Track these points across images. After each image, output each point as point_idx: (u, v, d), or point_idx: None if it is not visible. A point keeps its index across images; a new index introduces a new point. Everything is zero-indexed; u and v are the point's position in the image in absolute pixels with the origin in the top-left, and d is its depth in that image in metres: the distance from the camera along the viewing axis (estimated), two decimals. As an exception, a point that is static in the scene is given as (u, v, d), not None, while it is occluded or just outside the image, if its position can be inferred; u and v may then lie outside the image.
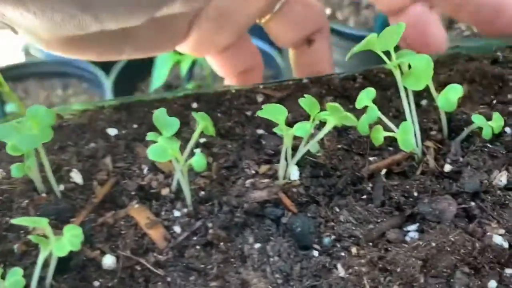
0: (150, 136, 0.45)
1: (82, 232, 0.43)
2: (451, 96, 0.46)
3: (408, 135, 0.45)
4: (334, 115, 0.43)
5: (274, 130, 0.48)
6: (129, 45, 0.59)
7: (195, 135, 0.47)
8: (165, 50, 0.67)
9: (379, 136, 0.47)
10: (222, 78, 0.74)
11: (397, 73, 0.48)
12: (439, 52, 0.64)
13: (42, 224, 0.41)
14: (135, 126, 0.59)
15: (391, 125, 0.49)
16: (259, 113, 0.45)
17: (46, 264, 0.44)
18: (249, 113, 0.60)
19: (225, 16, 0.63)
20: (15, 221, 0.41)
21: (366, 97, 0.48)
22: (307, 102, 0.46)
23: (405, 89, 0.49)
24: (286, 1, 0.67)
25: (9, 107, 1.42)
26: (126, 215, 0.50)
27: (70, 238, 0.41)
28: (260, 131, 0.58)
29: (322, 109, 0.59)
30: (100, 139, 0.57)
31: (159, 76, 1.47)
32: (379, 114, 0.47)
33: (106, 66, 1.70)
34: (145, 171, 0.53)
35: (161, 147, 0.43)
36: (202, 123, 0.46)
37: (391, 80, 0.59)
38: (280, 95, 0.61)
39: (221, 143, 0.56)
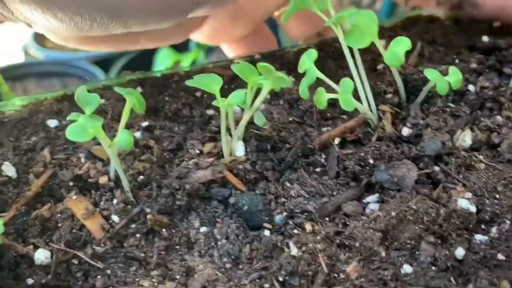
0: (71, 116, 0.42)
1: (2, 224, 0.39)
2: (397, 49, 0.42)
3: (348, 93, 0.41)
4: (268, 77, 0.40)
5: (214, 103, 0.44)
6: (144, 37, 0.58)
7: (125, 113, 0.44)
8: (180, 40, 0.65)
9: (322, 98, 0.43)
10: None
11: (338, 32, 0.45)
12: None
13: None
14: (77, 116, 0.56)
15: (335, 86, 0.45)
16: (189, 83, 0.42)
17: None
18: (198, 94, 0.57)
19: (243, 9, 0.62)
20: None
21: (308, 59, 0.44)
22: (240, 68, 0.42)
23: (350, 49, 0.45)
24: None
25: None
26: (64, 208, 0.47)
27: (-14, 232, 0.38)
28: (210, 112, 0.55)
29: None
30: (41, 131, 0.54)
31: (158, 76, 1.46)
32: (321, 75, 0.43)
33: (105, 66, 1.68)
34: (82, 159, 0.49)
35: (81, 126, 0.40)
36: (130, 98, 0.43)
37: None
38: (231, 73, 0.58)
39: (166, 125, 0.52)
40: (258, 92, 0.45)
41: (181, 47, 1.40)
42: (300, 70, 0.44)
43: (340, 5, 1.01)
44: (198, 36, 0.65)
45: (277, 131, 0.48)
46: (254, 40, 0.68)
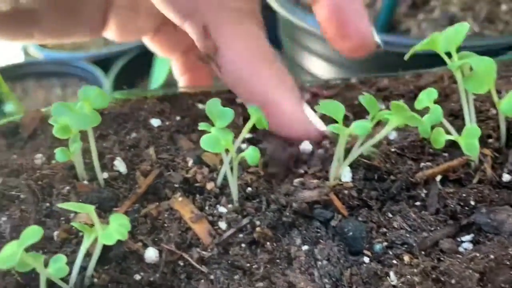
0: (202, 126, 0.43)
1: (128, 222, 0.41)
2: (514, 100, 0.44)
3: (473, 139, 0.42)
4: (398, 115, 0.41)
5: (329, 127, 0.46)
6: (37, 30, 0.59)
7: (246, 128, 0.46)
8: (83, 37, 0.65)
9: (440, 139, 0.45)
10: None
11: (458, 75, 0.46)
12: (365, 48, 0.56)
13: (88, 210, 0.40)
14: (178, 118, 0.57)
15: (450, 128, 0.47)
16: (318, 109, 0.43)
17: (86, 254, 0.43)
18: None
19: (137, 2, 0.62)
20: (61, 205, 0.39)
21: (427, 98, 0.46)
22: (367, 99, 0.44)
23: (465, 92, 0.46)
24: None
25: (8, 107, 1.41)
26: (170, 208, 0.48)
27: (117, 227, 0.39)
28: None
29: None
30: (143, 129, 0.56)
31: (158, 76, 1.44)
32: (442, 118, 0.44)
33: (105, 66, 1.69)
34: (189, 163, 0.51)
35: (215, 138, 0.41)
36: (255, 115, 0.44)
37: (448, 83, 0.57)
38: (327, 94, 0.59)
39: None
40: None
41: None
42: (417, 106, 0.46)
43: None
44: (109, 35, 0.66)
45: (384, 162, 0.49)
46: (171, 32, 0.67)
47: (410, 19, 0.97)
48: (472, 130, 0.43)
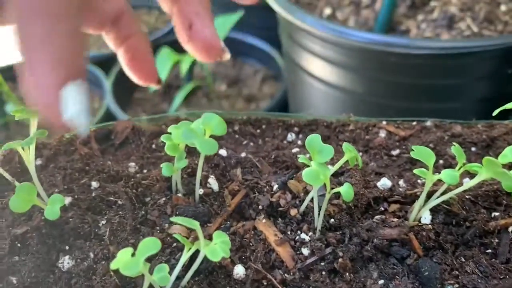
0: (301, 159, 0.47)
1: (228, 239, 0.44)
2: None
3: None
4: (489, 169, 0.44)
5: (415, 171, 0.48)
6: None
7: (339, 164, 0.49)
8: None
9: (517, 189, 0.47)
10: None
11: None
12: (212, 51, 0.57)
13: (195, 226, 0.43)
14: (260, 141, 0.61)
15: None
16: (413, 154, 0.46)
17: (173, 265, 0.46)
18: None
19: None
20: (173, 219, 0.43)
21: (511, 154, 0.48)
22: (457, 150, 0.47)
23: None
24: None
25: (9, 107, 1.43)
26: (254, 228, 0.51)
27: (221, 245, 0.43)
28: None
29: (444, 153, 0.60)
30: (231, 147, 0.59)
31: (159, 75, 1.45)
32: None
33: (105, 66, 1.71)
34: (274, 188, 0.54)
35: (316, 172, 0.45)
36: (349, 154, 0.48)
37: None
38: (403, 134, 0.62)
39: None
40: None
41: (182, 48, 1.41)
42: (502, 161, 0.49)
43: (339, 5, 1.02)
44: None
45: (461, 209, 0.52)
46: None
47: (410, 19, 0.97)
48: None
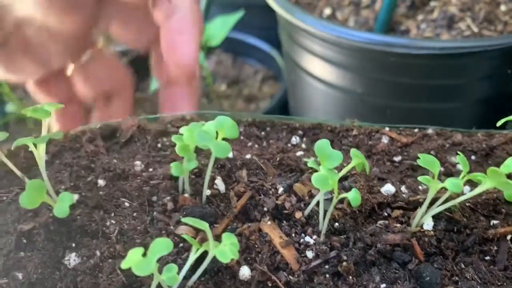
0: (310, 163, 0.47)
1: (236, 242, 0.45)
2: None
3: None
4: (493, 179, 0.45)
5: (419, 179, 0.50)
6: None
7: (346, 169, 0.50)
8: None
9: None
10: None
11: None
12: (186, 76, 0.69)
13: (204, 227, 0.44)
14: (264, 143, 0.62)
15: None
16: (419, 162, 0.47)
17: (180, 264, 0.47)
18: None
19: (30, 48, 0.68)
20: (183, 219, 0.43)
21: (513, 164, 0.49)
22: (461, 159, 0.48)
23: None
24: (92, 57, 0.75)
25: (9, 107, 1.43)
26: (259, 230, 0.52)
27: (230, 247, 0.43)
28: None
29: (445, 161, 0.61)
30: (236, 149, 0.60)
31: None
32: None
33: None
34: (279, 190, 0.55)
35: (325, 177, 0.45)
36: (356, 160, 0.48)
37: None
38: (405, 140, 0.63)
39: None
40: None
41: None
42: (505, 171, 0.50)
43: (339, 5, 1.04)
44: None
45: (463, 216, 0.53)
46: (58, 83, 0.76)
47: (409, 19, 0.96)
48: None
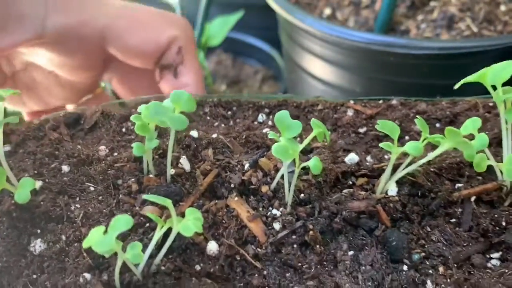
0: (271, 135, 0.48)
1: (200, 216, 0.45)
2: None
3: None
4: (451, 139, 0.46)
5: (381, 145, 0.50)
6: None
7: (308, 139, 0.50)
8: None
9: (483, 164, 0.49)
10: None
11: (501, 107, 0.51)
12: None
13: (166, 203, 0.44)
14: (231, 123, 0.62)
15: (490, 155, 0.51)
16: (378, 128, 0.48)
17: (146, 244, 0.47)
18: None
19: (34, 87, 0.72)
20: (146, 197, 0.43)
21: (472, 125, 0.50)
22: (420, 122, 0.48)
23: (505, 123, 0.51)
24: (92, 97, 0.80)
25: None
26: (226, 206, 0.52)
27: (194, 221, 0.43)
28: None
29: (410, 130, 0.62)
30: (202, 129, 0.59)
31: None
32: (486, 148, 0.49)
33: None
34: (246, 167, 0.55)
35: (285, 147, 0.46)
36: (317, 129, 0.49)
37: (482, 111, 0.62)
38: (370, 112, 0.64)
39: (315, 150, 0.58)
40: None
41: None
42: (464, 132, 0.50)
43: (339, 5, 1.04)
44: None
45: (426, 181, 0.54)
46: None
47: (409, 19, 0.97)
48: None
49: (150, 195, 0.43)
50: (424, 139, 0.49)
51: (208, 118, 0.63)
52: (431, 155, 0.49)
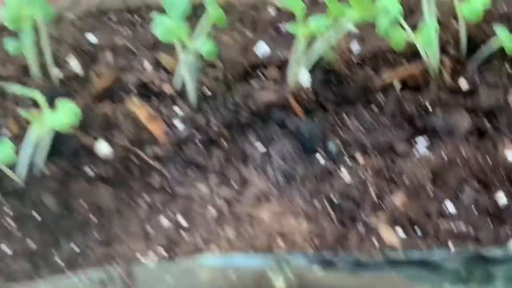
0: (155, 15, 0.42)
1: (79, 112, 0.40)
2: (475, 3, 0.43)
3: (430, 33, 0.42)
4: (357, 7, 0.40)
5: (288, 27, 0.45)
6: None
7: (205, 22, 0.44)
8: None
9: (398, 37, 0.44)
10: None
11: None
12: None
13: (34, 94, 0.39)
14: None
15: (407, 28, 0.46)
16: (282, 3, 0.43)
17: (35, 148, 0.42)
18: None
19: None
20: (14, 89, 0.38)
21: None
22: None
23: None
24: None
25: None
26: (126, 109, 0.48)
27: (65, 113, 0.39)
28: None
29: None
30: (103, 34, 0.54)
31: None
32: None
33: None
34: (147, 68, 0.50)
35: (168, 26, 0.40)
36: (214, 12, 0.44)
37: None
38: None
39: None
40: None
41: None
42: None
43: None
44: None
45: (343, 66, 0.49)
46: None
47: None
48: (429, 25, 0.42)
49: (15, 87, 0.38)
50: (331, 12, 0.44)
51: (113, 25, 0.57)
52: (337, 30, 0.44)
